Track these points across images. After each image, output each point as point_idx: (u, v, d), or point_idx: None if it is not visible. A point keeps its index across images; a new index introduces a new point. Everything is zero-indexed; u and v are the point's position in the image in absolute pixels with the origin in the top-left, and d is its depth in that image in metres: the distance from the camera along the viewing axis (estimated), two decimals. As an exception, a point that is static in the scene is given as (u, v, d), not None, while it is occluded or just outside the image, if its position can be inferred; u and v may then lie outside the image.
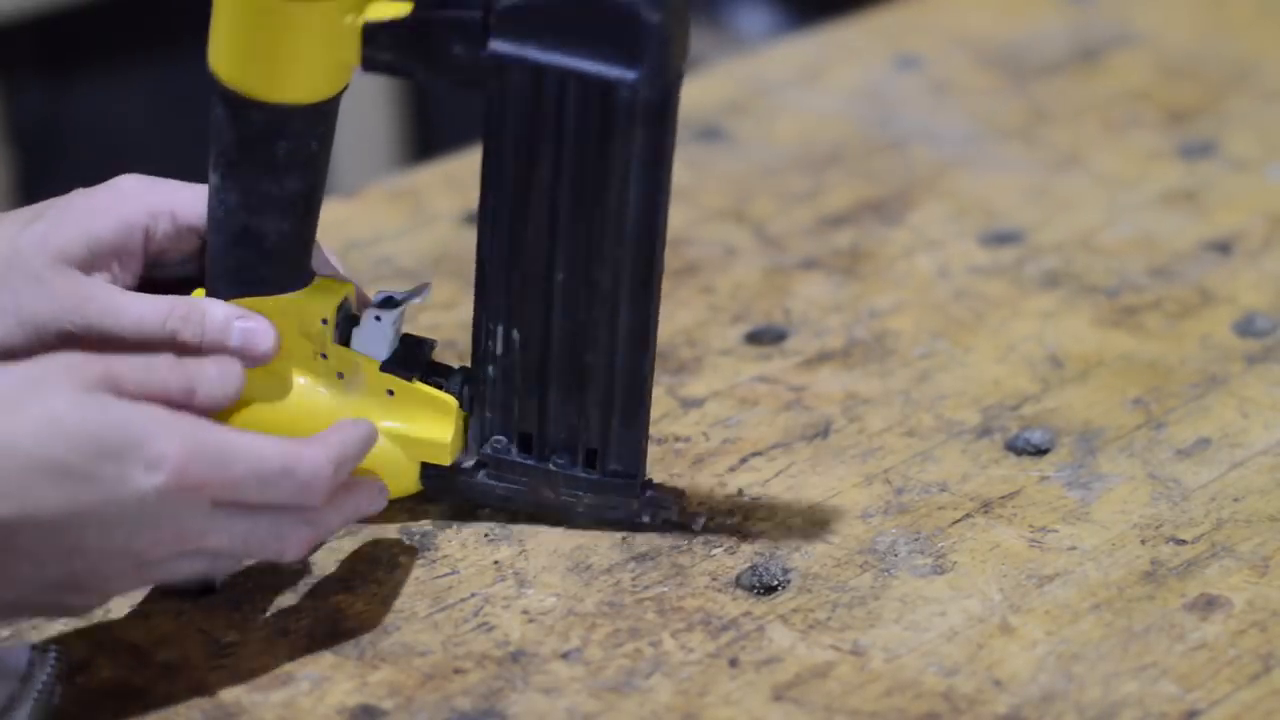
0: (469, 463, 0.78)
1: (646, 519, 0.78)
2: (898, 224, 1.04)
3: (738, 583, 0.76)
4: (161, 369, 0.68)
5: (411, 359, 0.78)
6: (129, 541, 0.65)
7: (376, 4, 0.71)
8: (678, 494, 0.80)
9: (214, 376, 0.70)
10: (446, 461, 0.78)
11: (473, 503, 0.79)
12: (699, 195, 1.08)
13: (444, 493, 0.79)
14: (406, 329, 0.79)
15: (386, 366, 0.77)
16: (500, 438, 0.78)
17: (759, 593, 0.76)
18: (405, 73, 0.72)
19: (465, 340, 0.93)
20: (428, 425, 0.77)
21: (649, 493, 0.78)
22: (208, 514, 0.66)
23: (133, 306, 0.75)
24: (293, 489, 0.68)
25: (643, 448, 0.78)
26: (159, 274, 0.78)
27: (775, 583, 0.76)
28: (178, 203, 0.77)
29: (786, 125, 1.17)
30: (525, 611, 0.75)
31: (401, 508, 0.80)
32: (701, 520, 0.79)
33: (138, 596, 0.76)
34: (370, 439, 0.72)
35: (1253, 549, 0.77)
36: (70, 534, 0.64)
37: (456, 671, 0.72)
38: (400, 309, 0.77)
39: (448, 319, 0.95)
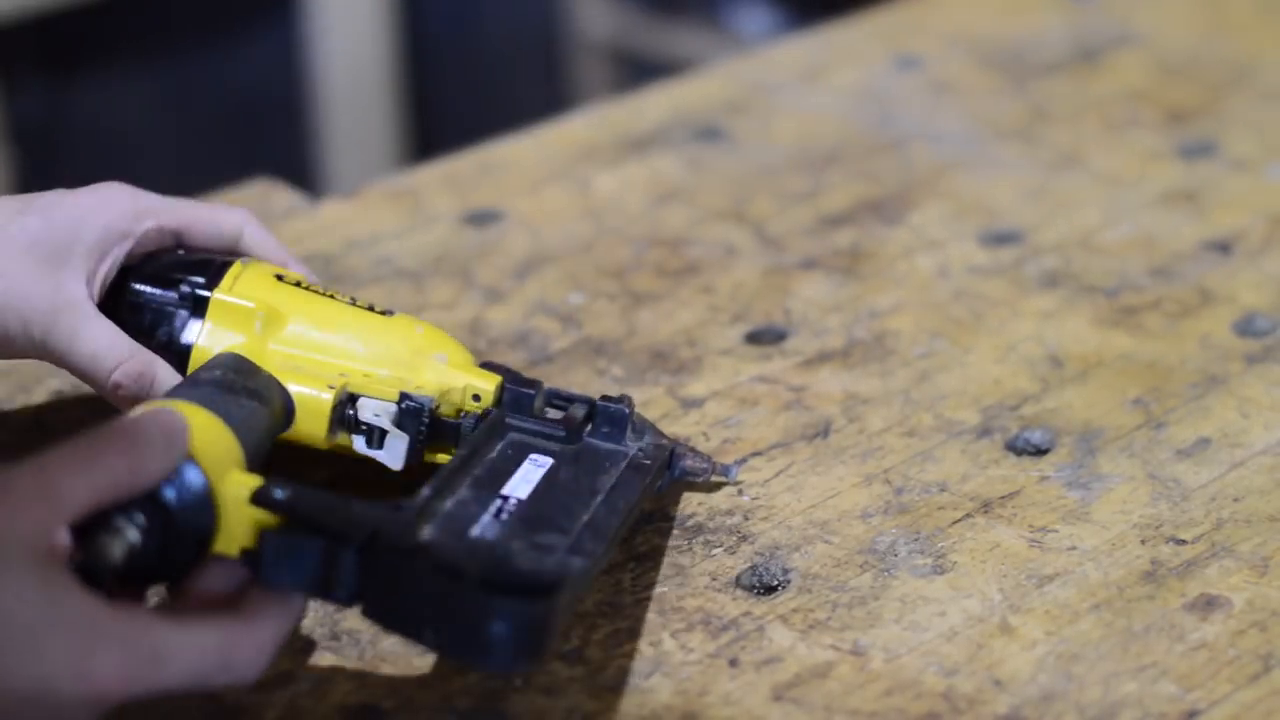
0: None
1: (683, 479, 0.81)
2: (898, 224, 1.04)
3: (738, 583, 0.76)
4: (104, 459, 0.63)
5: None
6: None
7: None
8: (705, 457, 0.81)
9: (160, 442, 0.65)
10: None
11: None
12: (699, 195, 1.08)
13: None
14: None
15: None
16: None
17: (759, 593, 0.76)
18: None
19: (466, 340, 0.93)
20: None
21: (680, 464, 0.80)
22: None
23: (93, 340, 0.76)
24: (227, 680, 0.64)
25: (655, 437, 0.80)
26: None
27: (775, 583, 0.76)
28: (161, 210, 0.79)
29: (786, 125, 1.17)
30: (525, 611, 0.75)
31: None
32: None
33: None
34: (300, 614, 0.68)
35: (1253, 549, 0.77)
36: None
37: (457, 671, 0.72)
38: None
39: (448, 319, 0.95)
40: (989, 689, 0.70)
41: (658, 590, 0.76)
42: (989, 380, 0.89)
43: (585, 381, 0.90)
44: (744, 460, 0.83)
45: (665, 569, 0.77)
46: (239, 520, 0.65)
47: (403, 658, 0.72)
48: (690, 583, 0.76)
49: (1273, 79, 1.20)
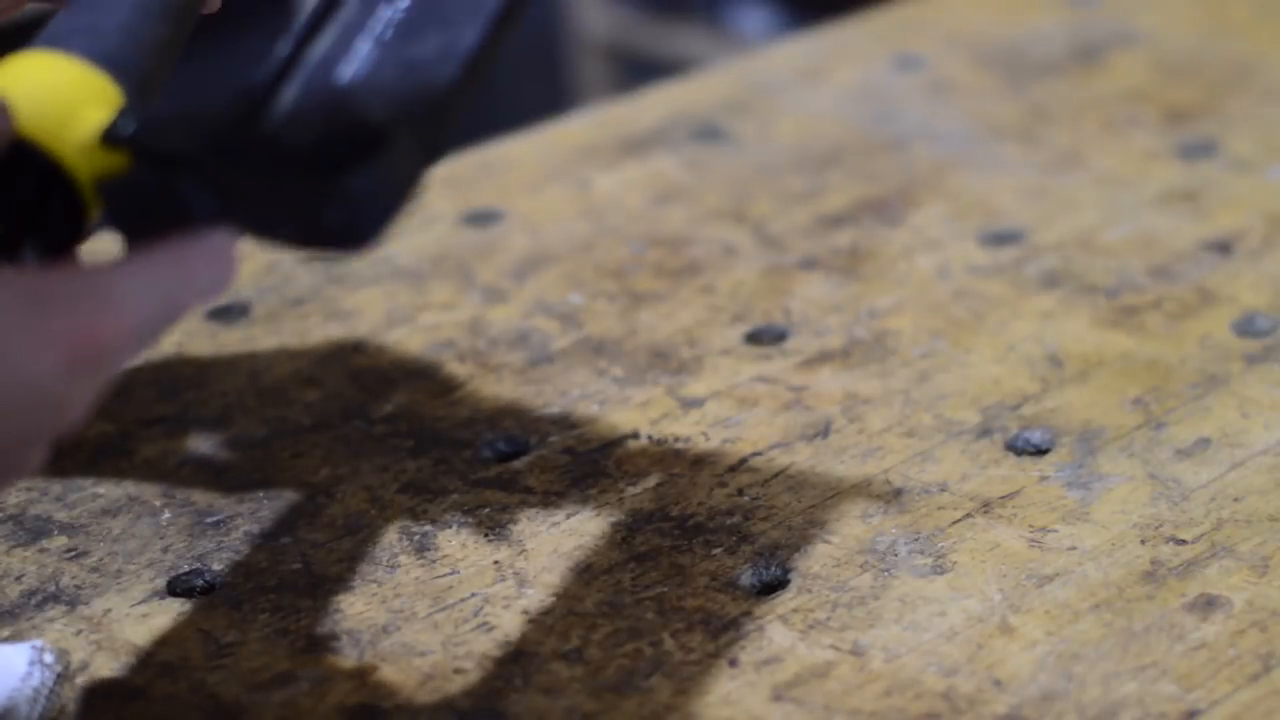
0: None
1: None
2: (898, 224, 1.04)
3: (738, 583, 0.76)
4: None
5: None
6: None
7: None
8: None
9: None
10: None
11: None
12: (699, 195, 1.08)
13: None
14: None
15: None
16: None
17: (759, 593, 0.76)
18: None
19: (466, 340, 0.93)
20: None
21: None
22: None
23: None
24: (200, 294, 0.61)
25: None
26: None
27: (775, 583, 0.76)
28: None
29: (786, 125, 1.17)
30: (525, 611, 0.75)
31: (402, 508, 0.81)
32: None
33: (138, 596, 0.76)
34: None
35: (1253, 549, 0.77)
36: None
37: (456, 671, 0.72)
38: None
39: (448, 319, 0.95)
40: (989, 689, 0.70)
41: (658, 590, 0.76)
42: (989, 380, 0.89)
43: (585, 381, 0.90)
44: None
45: (665, 569, 0.77)
46: (103, 164, 0.61)
47: (403, 658, 0.72)
48: (690, 583, 0.76)
49: (1273, 79, 1.20)
